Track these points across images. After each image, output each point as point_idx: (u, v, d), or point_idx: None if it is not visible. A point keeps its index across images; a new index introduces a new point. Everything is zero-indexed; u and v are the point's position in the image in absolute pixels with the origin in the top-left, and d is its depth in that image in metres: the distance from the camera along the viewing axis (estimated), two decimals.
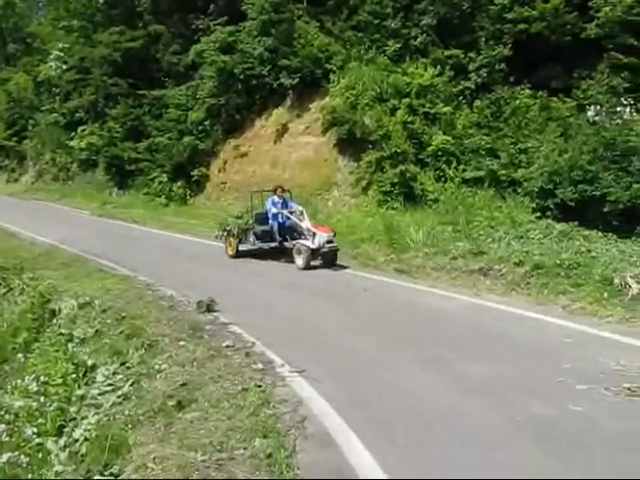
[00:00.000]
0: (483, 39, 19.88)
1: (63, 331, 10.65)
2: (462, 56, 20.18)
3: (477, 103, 19.44)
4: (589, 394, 6.65)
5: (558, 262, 11.48)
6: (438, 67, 20.12)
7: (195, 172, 27.25)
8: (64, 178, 38.55)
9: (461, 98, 20.03)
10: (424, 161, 19.09)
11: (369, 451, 5.63)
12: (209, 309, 10.84)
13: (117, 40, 32.11)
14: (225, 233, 16.81)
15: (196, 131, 27.45)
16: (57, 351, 9.60)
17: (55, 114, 37.45)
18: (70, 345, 9.99)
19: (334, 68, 22.28)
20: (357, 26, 22.90)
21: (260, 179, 22.85)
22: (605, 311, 9.78)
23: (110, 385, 8.01)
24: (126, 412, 6.94)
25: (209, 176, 27.39)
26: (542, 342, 8.68)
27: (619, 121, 16.38)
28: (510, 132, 17.98)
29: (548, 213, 15.01)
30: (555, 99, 18.08)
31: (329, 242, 14.38)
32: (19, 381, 8.86)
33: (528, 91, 18.45)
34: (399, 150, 18.85)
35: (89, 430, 6.75)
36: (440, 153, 18.74)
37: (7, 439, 7.18)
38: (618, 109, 17.08)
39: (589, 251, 12.17)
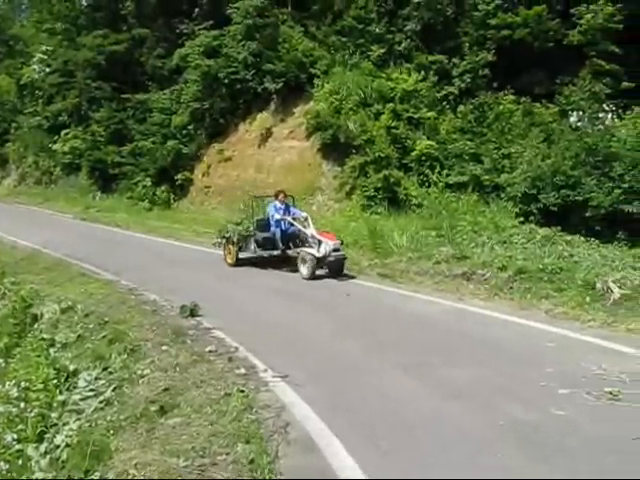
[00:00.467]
0: (467, 45, 20.03)
1: (45, 336, 10.60)
2: (446, 61, 20.30)
3: (461, 108, 19.53)
4: (571, 398, 6.69)
5: (541, 267, 11.56)
6: (422, 72, 20.19)
7: (179, 176, 27.04)
8: (47, 182, 38.16)
9: (445, 103, 20.12)
10: (408, 166, 19.13)
11: (352, 456, 5.62)
12: (192, 314, 10.76)
13: (101, 43, 31.81)
14: (224, 240, 15.83)
15: (180, 135, 27.23)
16: (39, 356, 9.56)
17: (38, 117, 37.04)
18: (52, 350, 9.94)
19: (318, 73, 22.31)
20: (341, 31, 22.94)
21: (244, 183, 22.82)
22: (587, 315, 9.87)
23: (92, 390, 7.97)
24: (108, 418, 6.89)
25: (193, 180, 27.20)
26: (525, 346, 8.73)
27: (601, 127, 16.56)
28: (493, 137, 18.06)
29: (531, 218, 15.13)
30: (538, 105, 18.21)
31: (336, 250, 13.61)
32: (0, 387, 8.78)
33: (511, 97, 18.57)
34: (383, 155, 18.89)
35: (70, 436, 6.71)
36: (424, 158, 18.79)
37: None
38: (600, 115, 17.28)
39: (572, 256, 12.28)
